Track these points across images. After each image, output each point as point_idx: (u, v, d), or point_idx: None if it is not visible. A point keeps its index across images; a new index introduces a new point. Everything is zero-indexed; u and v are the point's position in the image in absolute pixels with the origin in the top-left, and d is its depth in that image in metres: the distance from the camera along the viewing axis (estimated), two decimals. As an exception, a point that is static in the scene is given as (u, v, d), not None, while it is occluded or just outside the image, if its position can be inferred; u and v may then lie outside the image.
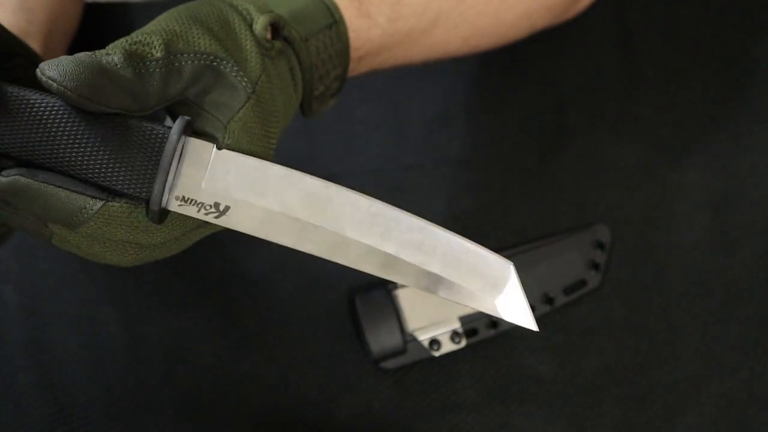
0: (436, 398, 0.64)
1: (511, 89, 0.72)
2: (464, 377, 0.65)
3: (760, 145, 0.71)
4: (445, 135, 0.71)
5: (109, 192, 0.38)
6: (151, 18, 0.41)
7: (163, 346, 0.65)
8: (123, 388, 0.64)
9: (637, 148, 0.71)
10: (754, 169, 0.70)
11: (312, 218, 0.40)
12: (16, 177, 0.37)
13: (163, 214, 0.39)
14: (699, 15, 0.74)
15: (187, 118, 0.39)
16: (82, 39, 0.67)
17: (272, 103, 0.42)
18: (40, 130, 0.37)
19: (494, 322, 0.65)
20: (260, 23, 0.43)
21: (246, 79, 0.41)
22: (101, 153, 0.37)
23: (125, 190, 0.38)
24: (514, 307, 0.41)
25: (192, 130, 0.40)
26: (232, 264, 0.67)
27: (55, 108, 0.37)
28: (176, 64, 0.39)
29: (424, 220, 0.40)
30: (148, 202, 0.38)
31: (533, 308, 0.65)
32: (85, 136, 0.37)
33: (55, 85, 0.35)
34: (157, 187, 0.38)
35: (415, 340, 0.64)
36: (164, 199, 0.38)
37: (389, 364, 0.64)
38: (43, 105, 0.37)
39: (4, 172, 0.37)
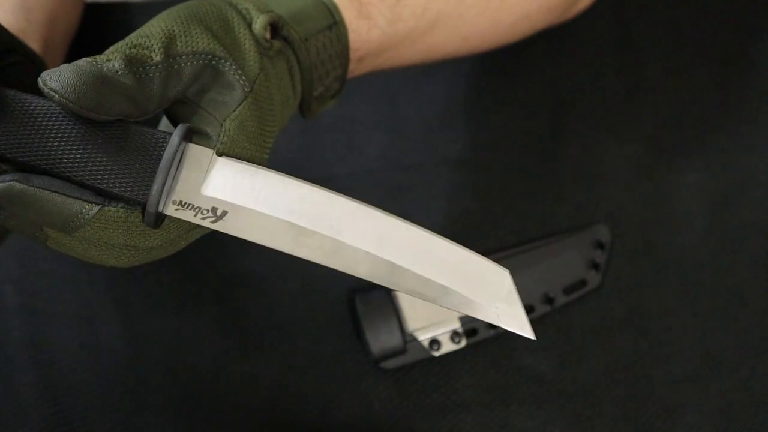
0: (436, 398, 0.65)
1: (511, 89, 0.72)
2: (464, 377, 0.65)
3: (760, 145, 0.71)
4: (445, 135, 0.71)
5: (106, 196, 0.38)
6: (151, 18, 0.41)
7: (163, 346, 0.65)
8: (123, 388, 0.64)
9: (637, 148, 0.71)
10: (754, 169, 0.70)
11: (309, 225, 0.39)
12: (11, 183, 0.37)
13: (160, 218, 0.39)
14: (699, 15, 0.74)
15: (188, 125, 0.39)
16: (82, 39, 0.67)
17: (270, 102, 0.42)
18: (38, 134, 0.37)
19: (494, 322, 0.65)
20: (259, 23, 0.43)
21: (244, 78, 0.41)
22: (99, 156, 0.37)
23: (122, 194, 0.38)
24: (511, 315, 0.41)
25: (192, 137, 0.40)
26: (233, 264, 0.67)
27: (54, 112, 0.37)
28: (176, 66, 0.39)
29: (421, 228, 0.40)
30: (144, 207, 0.38)
31: (533, 308, 0.65)
32: (84, 140, 0.37)
33: (57, 96, 0.36)
34: (154, 190, 0.38)
35: (415, 340, 0.64)
36: (161, 203, 0.38)
37: (389, 364, 0.64)
38: (42, 109, 0.37)
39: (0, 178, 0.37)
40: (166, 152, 0.38)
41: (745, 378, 0.65)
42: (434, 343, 0.64)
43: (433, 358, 0.64)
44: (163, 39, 0.39)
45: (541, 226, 0.68)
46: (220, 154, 0.39)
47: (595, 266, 0.67)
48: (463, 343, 0.64)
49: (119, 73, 0.37)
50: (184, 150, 0.39)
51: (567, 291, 0.67)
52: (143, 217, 0.39)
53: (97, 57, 0.37)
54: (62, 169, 0.37)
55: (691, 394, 0.65)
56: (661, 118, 0.72)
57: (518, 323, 0.41)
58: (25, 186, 0.37)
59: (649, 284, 0.68)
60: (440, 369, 0.65)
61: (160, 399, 0.64)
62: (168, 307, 0.66)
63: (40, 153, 0.37)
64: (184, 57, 0.39)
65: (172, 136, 0.38)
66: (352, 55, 0.49)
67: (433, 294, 0.40)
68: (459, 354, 0.65)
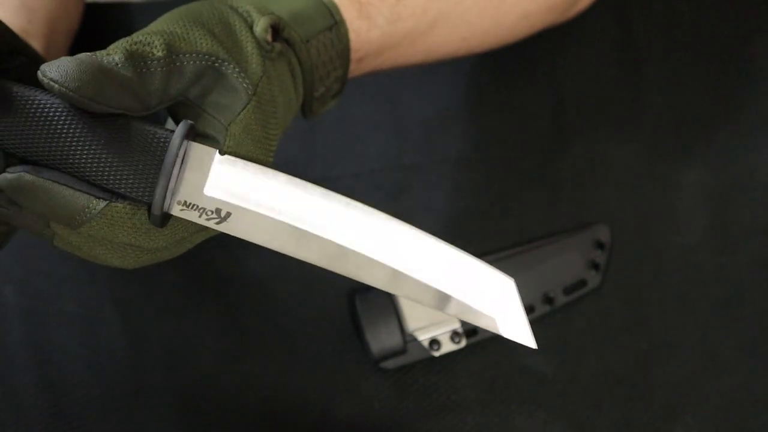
0: (436, 398, 0.64)
1: (511, 89, 0.72)
2: (464, 377, 0.65)
3: (760, 145, 0.71)
4: (445, 135, 0.71)
5: (113, 194, 0.38)
6: (151, 18, 0.41)
7: (163, 346, 0.65)
8: (123, 388, 0.64)
9: (637, 148, 0.71)
10: (753, 169, 0.70)
11: (312, 229, 0.39)
12: (22, 173, 0.37)
13: (165, 218, 0.39)
14: (699, 15, 0.74)
15: (190, 122, 0.39)
16: (82, 39, 0.67)
17: (273, 104, 0.42)
18: (45, 131, 0.37)
19: (494, 322, 0.65)
20: (261, 25, 0.43)
21: (247, 81, 0.41)
22: (104, 155, 0.37)
23: (128, 193, 0.38)
24: (514, 324, 0.41)
25: (195, 135, 0.40)
26: (233, 265, 0.67)
27: (59, 109, 0.37)
28: (177, 63, 0.39)
29: (425, 233, 0.40)
30: (150, 206, 0.38)
31: (533, 308, 0.65)
32: (89, 138, 0.37)
33: (56, 86, 0.35)
34: (159, 191, 0.38)
35: (415, 340, 0.64)
36: (166, 203, 0.38)
37: (389, 364, 0.64)
38: (48, 105, 0.37)
39: (9, 169, 0.37)
40: (168, 152, 0.38)
41: (745, 378, 0.65)
42: (434, 343, 0.64)
43: (433, 358, 0.64)
44: (166, 37, 0.39)
45: (541, 226, 0.68)
46: (223, 154, 0.39)
47: (595, 266, 0.67)
48: (463, 343, 0.64)
49: (119, 65, 0.37)
50: (187, 149, 0.39)
51: (567, 291, 0.67)
52: (149, 215, 0.39)
53: (98, 52, 0.37)
54: (68, 167, 0.37)
55: (691, 394, 0.65)
56: (661, 118, 0.72)
57: (521, 333, 0.41)
58: (34, 177, 0.37)
59: (649, 284, 0.68)
60: (440, 369, 0.65)
61: (160, 399, 0.64)
62: (168, 308, 0.66)
63: (46, 150, 0.37)
64: (186, 56, 0.39)
65: (174, 134, 0.38)
66: (353, 56, 0.49)
67: (435, 301, 0.40)
68: (459, 354, 0.65)
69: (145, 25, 0.41)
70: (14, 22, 0.56)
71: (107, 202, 0.38)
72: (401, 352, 0.64)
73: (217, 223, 0.39)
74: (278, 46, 0.44)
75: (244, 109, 0.40)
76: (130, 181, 0.38)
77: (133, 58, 0.38)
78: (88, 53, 0.37)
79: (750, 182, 0.70)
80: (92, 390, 0.64)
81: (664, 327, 0.67)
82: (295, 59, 0.45)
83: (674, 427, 0.64)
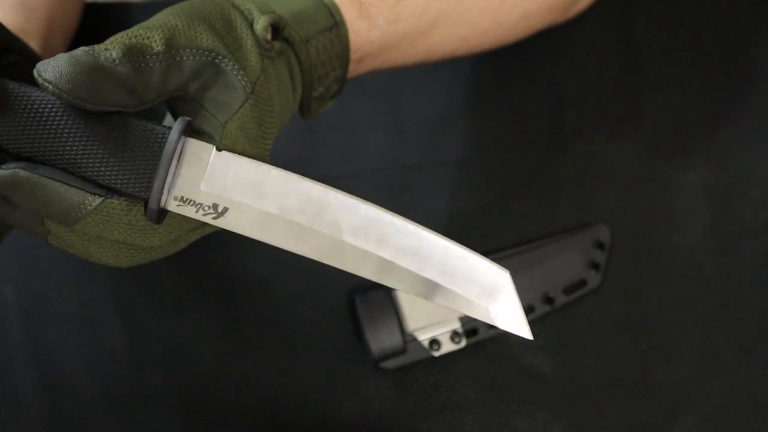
0: (436, 398, 0.64)
1: (511, 89, 0.72)
2: (464, 377, 0.65)
3: (760, 145, 0.71)
4: (445, 135, 0.71)
5: (109, 190, 0.38)
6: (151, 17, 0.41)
7: (163, 346, 0.65)
8: (123, 388, 0.64)
9: (637, 148, 0.71)
10: (754, 169, 0.70)
11: (309, 222, 0.40)
12: (16, 170, 0.37)
13: (162, 214, 0.39)
14: (699, 15, 0.74)
15: (187, 119, 0.39)
16: (81, 39, 0.67)
17: (269, 103, 0.42)
18: (40, 127, 0.37)
19: (494, 322, 0.65)
20: (261, 23, 0.43)
21: (246, 79, 0.41)
22: (101, 151, 0.37)
23: (124, 189, 0.38)
24: (509, 315, 0.41)
25: (191, 131, 0.40)
26: (233, 264, 0.67)
27: (55, 106, 0.37)
28: (177, 58, 0.39)
29: (421, 226, 0.40)
30: (146, 202, 0.38)
31: (533, 308, 0.65)
32: (85, 135, 0.37)
33: (51, 87, 0.35)
34: (156, 186, 0.38)
35: (415, 340, 0.64)
36: (163, 198, 0.38)
37: (389, 364, 0.64)
38: (44, 102, 0.37)
39: (4, 166, 0.37)
40: (165, 147, 0.38)
41: (745, 378, 0.65)
42: (434, 343, 0.64)
43: (433, 358, 0.64)
44: (165, 31, 0.39)
45: (541, 226, 0.68)
46: (220, 150, 0.39)
47: (595, 266, 0.67)
48: (463, 343, 0.64)
49: (116, 62, 0.37)
50: (184, 145, 0.39)
51: (567, 291, 0.67)
52: (145, 211, 0.38)
53: (96, 46, 0.37)
54: (63, 163, 0.37)
55: (691, 394, 0.65)
56: (661, 118, 0.72)
57: (516, 324, 0.41)
58: (29, 173, 0.37)
59: (649, 284, 0.68)
60: (440, 369, 0.65)
61: (160, 399, 0.64)
62: (168, 307, 0.66)
63: (42, 146, 0.37)
64: (186, 50, 0.39)
65: (172, 130, 0.38)
66: (353, 56, 0.49)
67: (432, 293, 0.40)
68: (459, 354, 0.65)
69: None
70: (12, 21, 0.56)
71: (103, 198, 0.38)
72: (401, 352, 0.64)
73: (214, 218, 0.39)
74: (278, 45, 0.44)
75: (241, 107, 0.40)
76: (127, 177, 0.38)
77: (132, 53, 0.38)
78: (86, 48, 0.37)
79: (750, 182, 0.70)
80: (92, 390, 0.63)
81: (664, 327, 0.67)
82: (294, 59, 0.45)
83: (674, 427, 0.64)
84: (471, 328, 0.65)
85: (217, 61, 0.40)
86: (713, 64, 0.73)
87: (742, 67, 0.73)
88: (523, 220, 0.69)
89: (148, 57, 0.38)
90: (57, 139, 0.37)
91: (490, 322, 0.41)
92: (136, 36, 0.38)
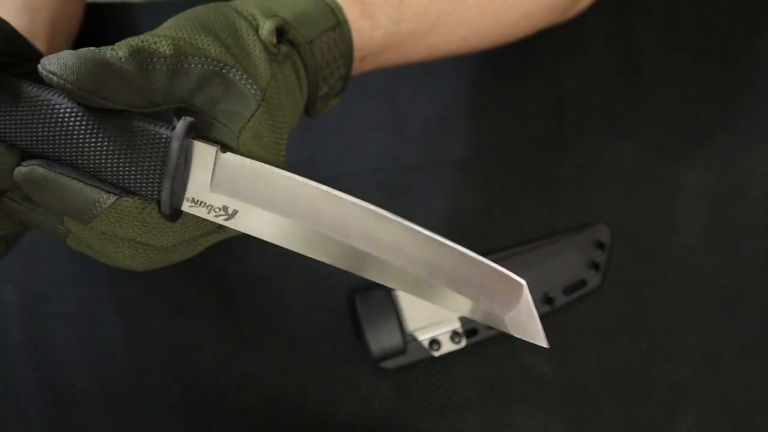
0: (436, 398, 0.64)
1: (511, 89, 0.72)
2: (464, 377, 0.65)
3: (760, 145, 0.71)
4: (445, 135, 0.71)
5: (123, 189, 0.39)
6: (151, 18, 0.41)
7: (163, 346, 0.65)
8: (123, 388, 0.64)
9: (637, 148, 0.71)
10: (754, 169, 0.70)
11: (318, 226, 0.40)
12: (34, 167, 0.37)
13: (176, 214, 0.39)
14: (699, 15, 0.74)
15: (189, 119, 0.39)
16: (83, 39, 0.67)
17: (280, 108, 0.42)
18: (54, 127, 0.38)
19: (494, 322, 0.65)
20: (266, 28, 0.43)
21: (255, 87, 0.41)
22: (111, 153, 0.38)
23: (136, 189, 0.38)
24: (525, 324, 0.41)
25: (195, 132, 0.40)
26: (233, 264, 0.67)
27: (66, 107, 0.37)
28: (185, 65, 0.39)
29: (434, 233, 0.40)
30: (159, 203, 0.39)
31: (533, 308, 0.65)
32: (96, 136, 0.38)
33: (55, 78, 0.36)
34: (165, 191, 0.38)
35: (415, 340, 0.64)
36: (175, 201, 0.39)
37: (389, 364, 0.64)
38: (56, 103, 0.38)
39: (24, 163, 0.38)
40: (170, 152, 0.38)
41: (745, 378, 0.65)
42: (434, 343, 0.64)
43: (433, 358, 0.64)
44: (173, 41, 0.39)
45: (541, 226, 0.68)
46: (224, 151, 0.39)
47: (595, 266, 0.67)
48: (463, 343, 0.64)
49: (122, 60, 0.37)
50: (190, 147, 0.39)
51: (567, 291, 0.67)
52: (159, 209, 0.39)
53: (102, 47, 0.38)
54: (78, 163, 0.38)
55: (691, 394, 0.65)
56: (661, 118, 0.72)
57: (533, 333, 0.41)
58: (46, 171, 0.37)
59: (649, 284, 0.68)
60: (440, 369, 0.65)
61: (160, 399, 0.64)
62: (168, 307, 0.66)
63: (56, 147, 0.38)
64: (193, 58, 0.39)
65: (174, 133, 0.38)
66: (355, 55, 0.49)
67: (442, 300, 0.40)
68: (459, 354, 0.65)
69: (146, 24, 0.41)
70: (18, 23, 0.56)
71: (117, 196, 0.38)
72: (401, 352, 0.64)
73: (226, 220, 0.40)
74: (284, 48, 0.44)
75: (253, 115, 0.40)
76: (138, 179, 0.38)
77: (138, 54, 0.38)
78: (92, 48, 0.37)
79: (750, 182, 0.70)
80: (92, 390, 0.63)
81: (664, 327, 0.67)
82: (299, 60, 0.45)
83: (674, 427, 0.64)
84: (471, 328, 0.65)
85: (224, 71, 0.40)
86: (713, 64, 0.73)
87: (742, 67, 0.73)
88: (523, 220, 0.69)
89: (155, 59, 0.38)
90: (70, 140, 0.37)
91: (506, 331, 0.40)
92: (143, 40, 0.39)
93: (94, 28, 0.69)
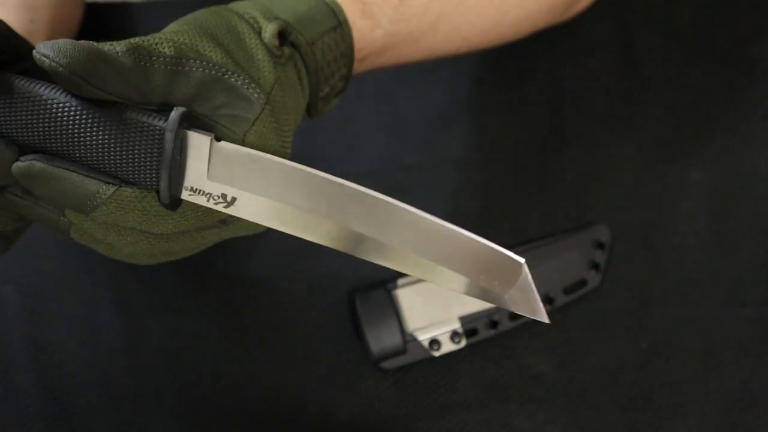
0: (436, 398, 0.65)
1: (511, 89, 0.72)
2: (464, 377, 0.65)
3: (760, 145, 0.71)
4: (445, 135, 0.71)
5: (122, 180, 0.39)
6: (151, 18, 0.41)
7: (163, 346, 0.65)
8: (123, 388, 0.64)
9: (637, 148, 0.71)
10: (754, 169, 0.70)
11: (316, 209, 0.40)
12: (32, 161, 0.38)
13: (176, 202, 0.40)
14: (699, 15, 0.74)
15: (182, 109, 0.39)
16: (81, 39, 0.66)
17: (284, 111, 0.42)
18: (49, 122, 0.38)
19: (494, 321, 0.65)
20: (269, 31, 0.43)
21: (258, 91, 0.41)
22: (108, 146, 0.38)
23: (134, 180, 0.39)
24: (525, 300, 0.41)
25: (189, 123, 0.40)
26: (233, 264, 0.67)
27: (60, 101, 0.38)
28: (185, 68, 0.39)
29: (432, 215, 0.41)
30: (158, 192, 0.39)
31: (533, 308, 0.65)
32: (92, 128, 0.38)
33: (47, 61, 0.36)
34: (163, 181, 0.38)
35: (415, 340, 0.64)
36: (173, 190, 0.39)
37: (389, 364, 0.64)
38: (50, 95, 0.38)
39: (22, 158, 0.38)
40: (164, 143, 0.38)
41: (745, 378, 0.65)
42: (434, 343, 0.64)
43: (433, 358, 0.64)
44: (174, 42, 0.39)
45: (541, 226, 0.68)
46: (218, 140, 0.40)
47: (595, 266, 0.67)
48: (463, 343, 0.64)
49: (119, 53, 0.38)
50: (185, 137, 0.39)
51: (567, 291, 0.67)
52: (159, 199, 0.39)
53: (101, 42, 0.38)
54: (75, 156, 0.38)
55: (691, 394, 0.65)
56: (661, 118, 0.72)
57: (533, 309, 0.41)
58: (45, 165, 0.38)
59: (649, 284, 0.68)
60: (440, 369, 0.65)
61: (160, 399, 0.64)
62: (168, 307, 0.66)
63: (53, 140, 0.38)
64: (195, 62, 0.39)
65: (167, 124, 0.38)
66: (356, 54, 0.49)
67: (447, 281, 0.40)
68: (459, 354, 0.65)
69: (146, 25, 0.41)
70: (17, 22, 0.56)
71: (117, 187, 0.38)
72: (401, 352, 0.64)
73: (225, 207, 0.40)
74: (287, 50, 0.44)
75: (257, 118, 0.41)
76: (136, 170, 0.38)
77: (137, 50, 0.38)
78: (90, 41, 0.37)
79: (750, 182, 0.70)
80: (92, 390, 0.63)
81: (664, 327, 0.67)
82: (301, 62, 0.45)
83: (674, 427, 0.64)
84: (471, 328, 0.65)
85: (226, 76, 0.40)
86: (713, 64, 0.73)
87: (742, 67, 0.73)
88: (523, 220, 0.69)
89: (154, 58, 0.38)
90: (66, 132, 0.38)
91: (506, 308, 0.41)
92: (144, 40, 0.39)
93: (94, 28, 0.69)
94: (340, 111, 0.68)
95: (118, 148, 0.38)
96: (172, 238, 0.41)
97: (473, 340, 0.65)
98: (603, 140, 0.71)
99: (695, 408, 0.65)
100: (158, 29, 0.42)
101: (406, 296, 0.64)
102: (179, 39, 0.40)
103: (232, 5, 0.45)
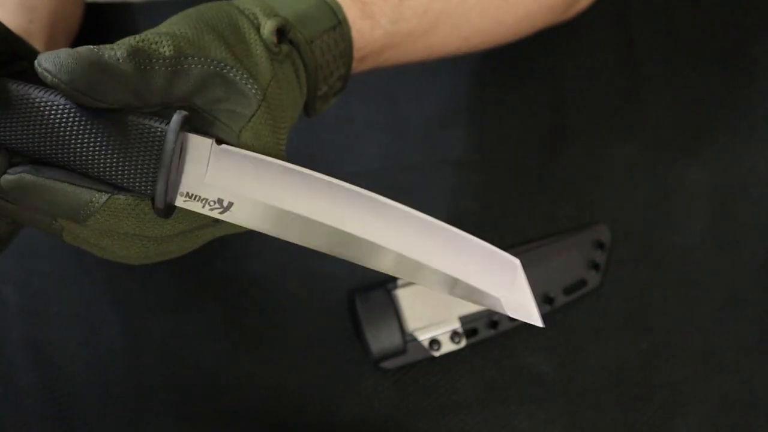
0: (436, 398, 0.64)
1: (512, 89, 0.72)
2: (464, 377, 0.65)
3: (760, 145, 0.71)
4: (445, 135, 0.71)
5: (115, 187, 0.38)
6: (151, 18, 0.41)
7: (163, 346, 0.65)
8: (123, 388, 0.64)
9: (637, 148, 0.71)
10: (754, 169, 0.70)
11: (315, 215, 0.40)
12: (21, 175, 0.37)
13: (170, 209, 0.39)
14: (699, 15, 0.74)
15: (184, 112, 0.38)
16: (82, 39, 0.67)
17: (281, 108, 0.42)
18: (43, 127, 0.37)
19: (494, 321, 0.65)
20: (268, 28, 0.43)
21: (256, 87, 0.40)
22: (103, 150, 0.37)
23: (129, 186, 0.38)
24: (520, 304, 0.41)
25: (190, 126, 0.39)
26: (232, 264, 0.67)
27: (57, 105, 0.37)
28: (185, 66, 0.39)
29: (429, 217, 0.40)
30: (153, 199, 0.38)
31: (533, 308, 0.65)
32: (88, 134, 0.37)
33: (49, 77, 0.36)
34: (159, 186, 0.38)
35: (415, 340, 0.64)
36: (169, 196, 0.38)
37: (389, 364, 0.64)
38: (46, 102, 0.37)
39: (9, 170, 0.37)
40: (165, 146, 0.38)
41: (745, 378, 0.65)
42: (434, 343, 0.64)
43: (433, 358, 0.64)
44: (175, 39, 0.39)
45: (541, 226, 0.68)
46: (219, 143, 0.39)
47: (595, 266, 0.67)
48: (463, 343, 0.64)
49: (120, 60, 0.37)
50: (184, 141, 0.39)
51: (567, 291, 0.67)
52: (153, 206, 0.39)
53: (101, 46, 0.37)
54: (68, 163, 0.38)
55: (691, 394, 0.65)
56: (661, 118, 0.72)
57: (527, 312, 0.41)
58: (35, 177, 0.37)
59: (649, 284, 0.68)
60: (440, 369, 0.65)
61: (160, 399, 0.64)
62: (168, 307, 0.66)
63: (46, 146, 0.37)
64: (194, 59, 0.39)
65: (169, 127, 0.38)
66: (355, 54, 0.49)
67: (441, 284, 0.40)
68: (459, 354, 0.65)
69: (146, 24, 0.41)
70: (15, 22, 0.55)
71: (109, 195, 0.38)
72: (401, 352, 0.64)
73: (221, 213, 0.39)
74: (285, 48, 0.44)
75: (254, 115, 0.40)
76: (131, 175, 0.38)
77: (138, 54, 0.38)
78: (91, 47, 0.37)
79: (750, 182, 0.70)
80: (92, 390, 0.63)
81: (664, 327, 0.67)
82: (300, 60, 0.45)
83: (674, 427, 0.64)
84: (471, 328, 0.65)
85: (225, 71, 0.40)
86: (713, 65, 0.73)
87: (743, 67, 0.73)
88: (523, 220, 0.69)
89: (154, 60, 0.38)
90: (60, 139, 0.37)
91: (501, 311, 0.40)
92: (144, 40, 0.38)
93: (94, 28, 0.69)
94: (340, 111, 0.68)
95: (115, 152, 0.37)
96: (166, 240, 0.41)
97: (473, 340, 0.65)
98: (603, 140, 0.71)
99: (695, 408, 0.65)
100: (158, 29, 0.41)
101: (406, 296, 0.64)
102: (181, 32, 0.40)
103: (233, 1, 0.45)
